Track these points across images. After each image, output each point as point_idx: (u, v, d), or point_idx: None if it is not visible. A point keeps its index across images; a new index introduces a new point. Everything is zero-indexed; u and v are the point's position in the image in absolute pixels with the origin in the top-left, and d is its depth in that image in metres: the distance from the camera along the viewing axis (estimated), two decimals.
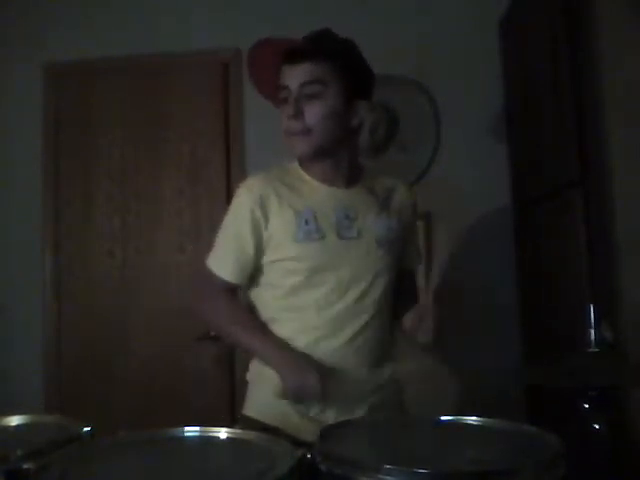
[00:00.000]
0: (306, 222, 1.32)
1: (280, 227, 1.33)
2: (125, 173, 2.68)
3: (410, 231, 1.51)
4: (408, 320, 1.34)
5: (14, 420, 1.10)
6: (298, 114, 1.30)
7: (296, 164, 1.42)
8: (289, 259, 1.33)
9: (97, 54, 2.69)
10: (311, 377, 1.23)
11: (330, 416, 1.30)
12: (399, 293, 1.48)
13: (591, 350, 1.28)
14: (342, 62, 1.32)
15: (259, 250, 1.36)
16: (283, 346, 1.33)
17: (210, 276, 1.40)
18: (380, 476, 0.75)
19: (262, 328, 1.38)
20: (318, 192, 1.38)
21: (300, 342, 1.34)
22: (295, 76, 1.30)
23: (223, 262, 1.39)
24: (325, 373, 1.26)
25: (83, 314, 2.64)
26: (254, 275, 1.40)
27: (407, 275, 1.52)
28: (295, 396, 1.26)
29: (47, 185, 2.70)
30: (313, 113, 1.30)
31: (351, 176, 1.41)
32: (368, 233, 1.36)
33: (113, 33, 2.71)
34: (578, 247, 1.78)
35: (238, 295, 1.44)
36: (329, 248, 1.33)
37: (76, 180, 2.70)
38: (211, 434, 0.97)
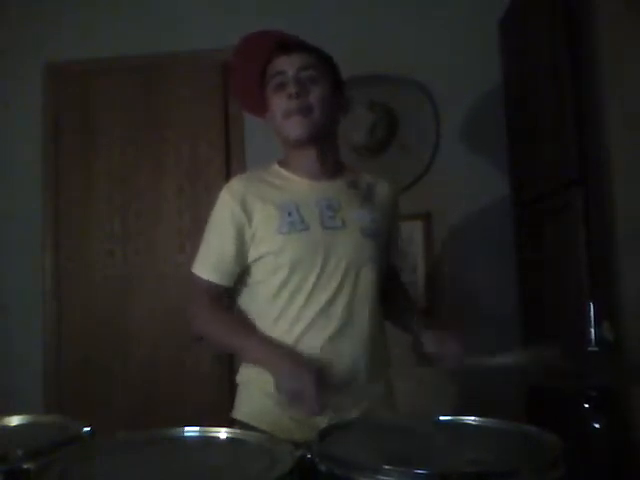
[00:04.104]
0: (289, 214, 1.33)
1: (263, 222, 1.34)
2: (125, 173, 2.68)
3: (393, 227, 1.52)
4: (430, 345, 1.34)
5: (14, 420, 1.10)
6: (301, 93, 1.33)
7: (276, 165, 1.46)
8: (274, 253, 1.32)
9: (97, 54, 2.69)
10: (309, 384, 1.14)
11: (322, 419, 1.28)
12: (387, 291, 1.48)
13: (591, 349, 1.28)
14: (324, 58, 1.40)
15: (241, 248, 1.35)
16: (277, 346, 1.31)
17: (195, 281, 1.40)
18: (379, 476, 0.75)
19: (252, 329, 1.36)
20: (299, 186, 1.40)
21: (288, 335, 1.32)
22: (291, 62, 1.35)
23: (204, 263, 1.39)
24: (326, 376, 1.22)
25: (83, 314, 2.64)
26: (242, 278, 1.40)
27: (391, 270, 1.54)
28: (291, 401, 1.19)
29: (47, 185, 2.70)
30: (314, 94, 1.35)
31: (333, 170, 1.44)
32: (352, 223, 1.36)
33: (113, 33, 2.71)
34: (578, 247, 1.78)
35: (226, 300, 1.43)
36: (314, 238, 1.33)
37: (76, 180, 2.70)
38: (211, 434, 0.97)
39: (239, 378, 1.44)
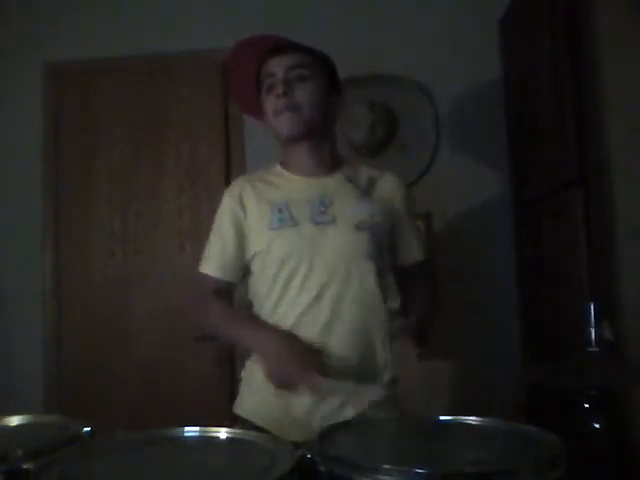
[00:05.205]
0: (280, 211, 1.37)
1: (257, 219, 1.39)
2: (125, 173, 2.68)
3: (403, 222, 1.46)
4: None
5: (14, 420, 1.10)
6: (288, 92, 1.36)
7: (278, 165, 1.49)
8: (266, 248, 1.36)
9: (97, 54, 2.69)
10: (291, 365, 1.20)
11: (316, 416, 1.28)
12: (409, 289, 1.47)
13: (591, 350, 1.28)
14: (318, 58, 1.42)
15: (241, 244, 1.41)
16: (270, 329, 1.33)
17: (200, 278, 1.45)
18: (379, 476, 0.75)
19: (249, 319, 1.40)
20: (294, 183, 1.43)
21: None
22: (281, 63, 1.38)
23: (208, 260, 1.45)
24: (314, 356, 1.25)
25: (83, 314, 2.64)
26: (246, 276, 1.44)
27: (414, 268, 1.49)
28: (277, 383, 1.24)
29: (47, 185, 2.70)
30: (302, 91, 1.37)
31: (330, 165, 1.45)
32: (344, 218, 1.36)
33: (113, 33, 2.71)
34: (578, 247, 1.78)
35: (228, 296, 1.47)
36: (303, 234, 1.35)
37: (76, 180, 2.70)
38: (211, 434, 0.97)
39: (243, 373, 1.45)
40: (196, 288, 1.48)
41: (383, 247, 1.40)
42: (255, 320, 1.39)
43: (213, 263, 1.43)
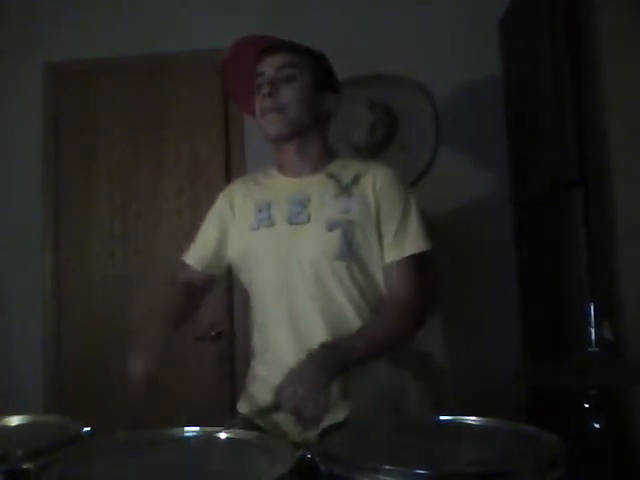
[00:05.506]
0: (260, 211, 1.39)
1: (242, 219, 1.43)
2: (125, 173, 2.68)
3: (383, 218, 1.35)
4: None
5: (14, 420, 1.10)
6: (273, 92, 1.36)
7: (275, 167, 1.49)
8: (246, 248, 1.40)
9: (97, 54, 2.69)
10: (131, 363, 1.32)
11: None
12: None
13: (591, 350, 1.28)
14: (311, 57, 1.42)
15: (222, 242, 1.46)
16: (154, 338, 1.38)
17: (181, 266, 1.51)
18: (379, 476, 0.75)
19: (163, 322, 1.39)
20: (278, 184, 1.44)
21: (257, 335, 1.39)
22: (271, 63, 1.38)
23: (190, 250, 1.51)
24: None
25: (83, 314, 2.64)
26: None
27: (389, 269, 1.35)
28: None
29: (47, 185, 2.70)
30: (288, 92, 1.37)
31: (316, 165, 1.42)
32: (318, 217, 1.33)
33: (113, 33, 2.71)
34: (578, 247, 1.78)
35: (206, 287, 1.52)
36: (277, 234, 1.35)
37: (76, 180, 2.70)
38: (211, 434, 0.97)
39: (250, 371, 1.46)
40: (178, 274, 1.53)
41: (360, 245, 1.31)
42: (163, 328, 1.38)
43: (193, 254, 1.50)
